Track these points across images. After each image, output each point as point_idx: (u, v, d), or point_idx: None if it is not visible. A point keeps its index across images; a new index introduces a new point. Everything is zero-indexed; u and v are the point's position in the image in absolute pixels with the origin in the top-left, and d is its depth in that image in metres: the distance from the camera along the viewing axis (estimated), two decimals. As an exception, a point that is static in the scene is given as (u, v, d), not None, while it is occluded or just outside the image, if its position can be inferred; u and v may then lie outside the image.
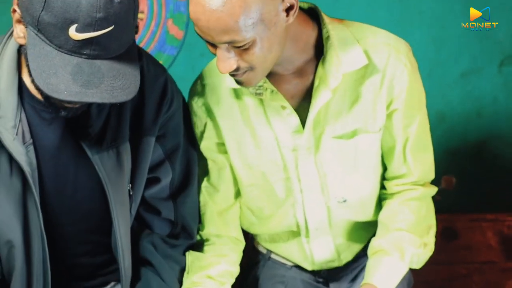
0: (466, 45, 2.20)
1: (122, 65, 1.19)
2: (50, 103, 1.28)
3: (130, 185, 1.44)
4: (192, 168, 1.53)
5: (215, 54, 1.31)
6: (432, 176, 1.59)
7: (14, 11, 1.24)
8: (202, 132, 1.53)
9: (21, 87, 1.33)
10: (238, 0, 1.22)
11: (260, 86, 1.42)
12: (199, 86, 1.53)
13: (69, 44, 1.17)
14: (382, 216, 1.55)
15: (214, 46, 1.30)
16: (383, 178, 1.58)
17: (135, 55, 1.24)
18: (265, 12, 1.26)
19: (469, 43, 2.20)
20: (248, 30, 1.25)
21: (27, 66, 1.24)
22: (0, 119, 1.30)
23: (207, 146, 1.54)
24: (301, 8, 1.39)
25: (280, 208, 1.55)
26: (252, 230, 1.62)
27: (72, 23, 1.16)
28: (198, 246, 1.55)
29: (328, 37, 1.40)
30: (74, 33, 1.17)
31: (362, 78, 1.45)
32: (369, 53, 1.44)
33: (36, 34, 1.18)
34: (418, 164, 1.54)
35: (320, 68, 1.41)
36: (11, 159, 1.34)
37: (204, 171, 1.56)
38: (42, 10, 1.17)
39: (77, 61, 1.18)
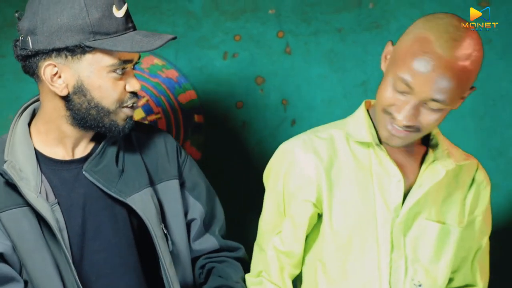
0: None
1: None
2: (112, 124, 1.52)
3: (163, 224, 1.60)
4: (216, 202, 1.78)
5: (389, 111, 1.43)
6: None
7: (47, 66, 1.46)
8: (300, 188, 1.59)
9: (36, 155, 1.54)
10: (467, 74, 1.39)
11: (385, 151, 1.54)
12: (306, 145, 1.59)
13: (120, 24, 1.47)
14: None
15: (402, 94, 1.41)
16: None
17: None
18: (465, 91, 1.43)
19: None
20: (456, 97, 1.41)
21: (70, 111, 1.50)
22: (22, 180, 1.48)
23: (300, 204, 1.59)
24: None
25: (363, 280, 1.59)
26: None
27: (111, 3, 1.46)
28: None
29: (439, 133, 1.59)
30: (117, 10, 1.47)
31: (457, 176, 1.60)
32: (466, 157, 1.63)
33: (94, 41, 1.44)
34: (483, 275, 1.67)
35: (431, 152, 1.56)
36: (39, 221, 1.49)
37: (277, 226, 1.65)
38: (87, 14, 1.44)
39: (133, 32, 1.49)
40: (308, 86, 2.26)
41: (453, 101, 1.41)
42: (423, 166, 1.56)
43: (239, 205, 2.24)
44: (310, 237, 1.66)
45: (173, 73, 2.28)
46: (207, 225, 1.74)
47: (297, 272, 1.70)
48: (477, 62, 1.41)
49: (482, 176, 1.65)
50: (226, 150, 2.30)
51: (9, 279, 1.49)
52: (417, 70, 1.38)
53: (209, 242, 1.73)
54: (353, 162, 1.58)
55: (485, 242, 1.68)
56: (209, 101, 2.29)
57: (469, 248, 1.65)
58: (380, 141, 1.55)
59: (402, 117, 1.42)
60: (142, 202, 1.57)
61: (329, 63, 2.23)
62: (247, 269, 1.76)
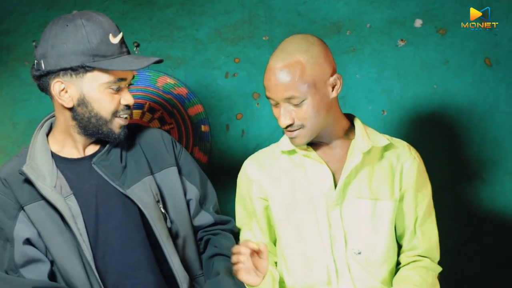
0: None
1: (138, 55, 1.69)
2: (109, 128, 1.65)
3: (161, 204, 1.73)
4: (208, 185, 1.89)
5: (277, 118, 1.64)
6: (437, 256, 1.78)
7: (55, 83, 1.60)
8: (251, 189, 1.78)
9: (54, 157, 1.68)
10: (298, 66, 1.57)
11: (307, 151, 1.69)
12: (253, 159, 1.79)
13: (115, 49, 1.62)
14: (395, 280, 1.72)
15: (277, 107, 1.62)
16: (398, 254, 1.76)
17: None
18: (316, 80, 1.59)
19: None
20: (302, 89, 1.57)
21: (76, 121, 1.64)
22: (39, 178, 1.63)
23: (255, 201, 1.78)
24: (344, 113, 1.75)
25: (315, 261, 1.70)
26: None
27: (108, 33, 1.61)
28: None
29: (359, 126, 1.72)
30: (113, 38, 1.62)
31: (383, 157, 1.72)
32: (390, 140, 1.73)
33: (93, 62, 1.58)
34: (425, 239, 1.74)
35: (353, 142, 1.70)
36: (60, 212, 1.61)
37: (248, 224, 1.83)
38: (88, 40, 1.58)
39: (127, 55, 1.62)
40: (296, 100, 2.36)
41: (304, 92, 1.56)
42: (348, 155, 1.68)
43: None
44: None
45: (183, 90, 2.41)
46: (202, 204, 1.85)
47: (275, 259, 1.85)
48: (305, 61, 1.56)
49: (406, 155, 1.71)
50: (229, 154, 2.40)
51: (36, 260, 1.62)
52: (266, 83, 1.61)
53: (205, 218, 1.84)
54: (290, 164, 1.74)
55: (422, 211, 1.73)
56: (214, 113, 2.41)
57: (408, 218, 1.73)
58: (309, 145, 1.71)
59: (281, 121, 1.62)
60: (140, 191, 1.68)
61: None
62: (237, 239, 1.89)
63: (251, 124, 2.40)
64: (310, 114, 1.61)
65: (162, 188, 1.77)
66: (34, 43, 1.68)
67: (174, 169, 1.80)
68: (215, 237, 1.84)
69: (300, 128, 1.63)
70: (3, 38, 2.51)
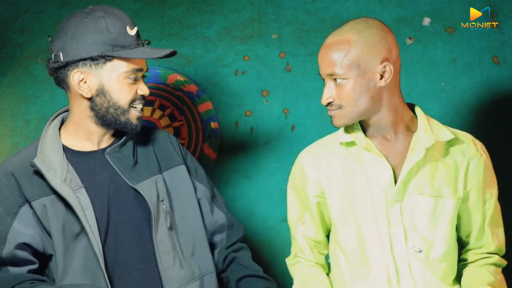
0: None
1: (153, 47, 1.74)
2: (128, 121, 1.68)
3: (167, 203, 1.74)
4: (212, 181, 1.91)
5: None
6: (504, 250, 1.73)
7: (75, 73, 1.63)
8: (306, 185, 1.75)
9: (65, 150, 1.69)
10: (345, 44, 1.56)
11: (366, 143, 1.64)
12: (309, 154, 1.75)
13: (133, 40, 1.67)
14: (465, 278, 1.67)
15: (325, 84, 1.61)
16: (460, 252, 1.71)
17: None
18: (362, 62, 1.55)
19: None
20: (344, 67, 1.56)
21: (93, 111, 1.66)
22: (50, 171, 1.63)
23: (309, 198, 1.74)
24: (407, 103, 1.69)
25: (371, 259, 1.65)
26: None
27: (125, 25, 1.66)
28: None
29: (422, 118, 1.66)
30: (130, 30, 1.66)
31: (447, 153, 1.64)
32: (454, 134, 1.66)
33: (113, 52, 1.63)
34: (494, 236, 1.70)
35: (415, 136, 1.64)
36: (67, 203, 1.61)
37: (301, 217, 1.79)
38: (107, 31, 1.63)
39: (143, 47, 1.68)
40: (305, 97, 2.39)
41: (346, 71, 1.53)
42: (409, 149, 1.62)
43: (249, 197, 2.39)
44: (331, 226, 1.77)
45: (193, 88, 2.43)
46: (213, 201, 1.86)
47: (325, 252, 1.84)
48: (355, 41, 1.54)
49: (473, 152, 1.64)
50: (238, 151, 2.42)
51: (25, 263, 1.61)
52: (318, 61, 1.61)
53: (219, 216, 1.86)
54: (348, 158, 1.68)
55: (491, 209, 1.67)
56: (223, 110, 2.43)
57: (474, 216, 1.67)
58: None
59: (322, 99, 1.61)
60: (148, 188, 1.70)
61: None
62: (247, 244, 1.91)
63: (260, 121, 2.42)
64: (350, 96, 1.58)
65: (170, 187, 1.78)
66: (50, 38, 1.70)
67: (183, 168, 1.83)
68: (239, 255, 1.87)
69: (338, 108, 1.60)
70: (17, 36, 2.56)
